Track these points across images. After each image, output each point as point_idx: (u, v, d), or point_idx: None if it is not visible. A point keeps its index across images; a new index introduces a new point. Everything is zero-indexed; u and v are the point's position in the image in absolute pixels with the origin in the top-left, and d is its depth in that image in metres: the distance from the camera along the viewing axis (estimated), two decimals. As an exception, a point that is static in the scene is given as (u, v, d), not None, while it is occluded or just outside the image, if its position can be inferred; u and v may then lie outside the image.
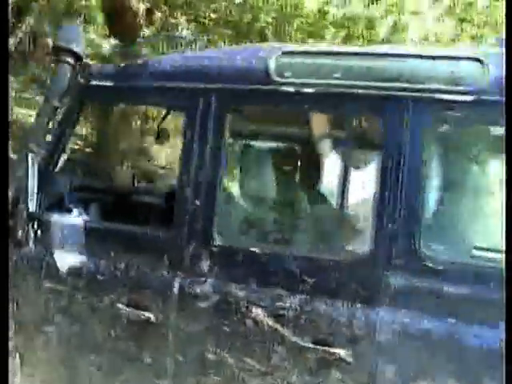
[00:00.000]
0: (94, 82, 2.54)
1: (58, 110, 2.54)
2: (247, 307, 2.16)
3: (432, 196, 2.15)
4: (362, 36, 5.95)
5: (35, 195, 2.50)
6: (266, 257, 2.18)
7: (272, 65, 2.22)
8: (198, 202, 2.26)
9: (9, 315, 2.42)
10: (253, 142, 2.89)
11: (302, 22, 6.02)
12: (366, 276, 2.02)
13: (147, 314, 2.29)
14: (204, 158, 2.26)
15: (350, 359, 2.00)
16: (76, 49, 2.55)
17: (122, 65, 2.60)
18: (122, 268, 2.35)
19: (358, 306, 2.01)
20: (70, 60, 2.54)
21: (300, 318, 2.08)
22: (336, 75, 2.13)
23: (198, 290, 2.23)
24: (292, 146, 2.85)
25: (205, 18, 5.71)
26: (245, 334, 2.16)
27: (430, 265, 1.95)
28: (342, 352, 2.00)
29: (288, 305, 2.10)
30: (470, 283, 1.92)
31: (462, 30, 5.68)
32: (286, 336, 2.10)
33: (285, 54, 2.24)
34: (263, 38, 6.14)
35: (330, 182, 2.25)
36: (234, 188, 2.45)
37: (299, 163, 2.74)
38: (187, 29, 5.52)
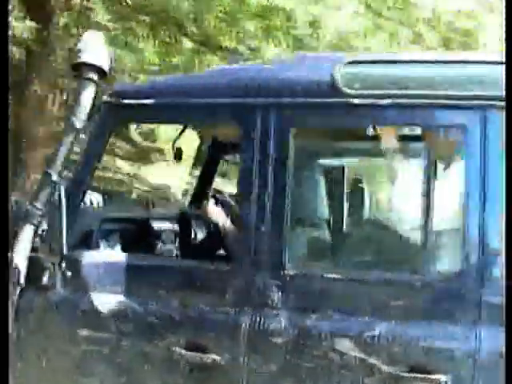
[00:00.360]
0: (127, 101, 2.25)
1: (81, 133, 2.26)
2: (330, 339, 2.01)
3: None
4: (282, 28, 5.89)
5: (64, 232, 2.16)
6: (344, 283, 2.04)
7: (338, 76, 2.06)
8: (263, 229, 2.06)
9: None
10: (318, 160, 2.69)
11: (220, 11, 5.81)
12: (459, 295, 1.98)
13: (213, 357, 2.05)
14: (267, 179, 2.07)
15: (451, 385, 1.94)
16: (101, 64, 2.24)
17: (162, 80, 2.40)
18: (177, 307, 2.09)
19: (455, 327, 1.96)
20: (94, 76, 2.25)
21: (392, 346, 1.98)
22: (410, 85, 2.04)
23: (271, 325, 2.04)
24: (361, 162, 2.72)
25: (121, 4, 5.27)
26: (329, 369, 2.01)
27: None
28: (442, 378, 1.94)
29: (377, 332, 1.99)
30: None
31: (378, 25, 5.86)
32: (377, 366, 1.99)
33: (351, 63, 2.10)
34: (181, 27, 5.85)
35: (407, 198, 2.16)
36: (300, 210, 2.26)
37: (368, 180, 2.62)
38: (104, 14, 5.05)
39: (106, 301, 2.16)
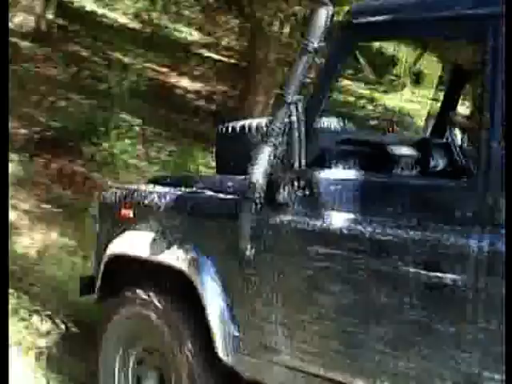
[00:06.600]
0: (362, 20, 2.26)
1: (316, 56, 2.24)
2: None
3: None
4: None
5: (298, 151, 2.22)
6: None
7: None
8: (498, 146, 1.91)
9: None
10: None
11: None
12: None
13: (449, 276, 1.94)
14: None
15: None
16: None
17: None
18: (411, 225, 2.02)
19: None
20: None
21: None
22: None
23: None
24: None
25: None
26: None
27: None
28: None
29: None
30: None
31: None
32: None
33: None
34: None
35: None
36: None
37: None
38: None
39: (339, 219, 2.16)
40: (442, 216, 1.99)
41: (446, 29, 2.12)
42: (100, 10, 7.16)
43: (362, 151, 2.60)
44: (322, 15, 2.20)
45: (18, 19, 6.16)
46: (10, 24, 5.92)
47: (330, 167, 2.35)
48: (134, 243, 2.64)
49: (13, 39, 6.05)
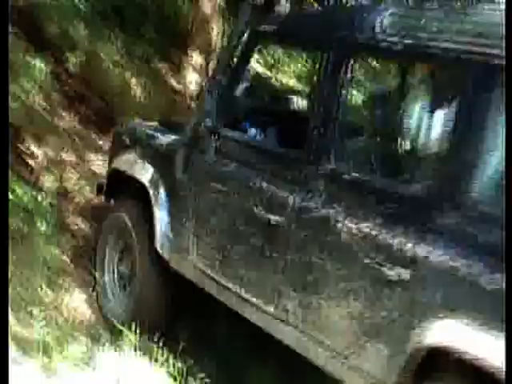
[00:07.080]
0: (263, 27, 3.13)
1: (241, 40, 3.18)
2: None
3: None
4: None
5: (215, 114, 3.19)
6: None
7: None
8: (321, 130, 2.67)
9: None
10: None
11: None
12: None
13: (274, 218, 2.79)
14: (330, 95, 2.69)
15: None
16: None
17: (288, 12, 3.23)
18: (264, 179, 2.89)
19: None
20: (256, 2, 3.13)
21: None
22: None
23: (310, 203, 2.66)
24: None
25: None
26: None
27: None
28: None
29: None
30: None
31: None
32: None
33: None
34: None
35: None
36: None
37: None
38: None
39: (229, 166, 3.08)
40: (281, 174, 2.85)
41: (307, 41, 3.09)
42: (268, 73, 7.71)
43: (271, 119, 3.50)
44: (244, 12, 3.14)
45: (189, 79, 6.49)
46: (175, 84, 6.40)
47: (237, 129, 3.24)
48: (124, 162, 3.66)
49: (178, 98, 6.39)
